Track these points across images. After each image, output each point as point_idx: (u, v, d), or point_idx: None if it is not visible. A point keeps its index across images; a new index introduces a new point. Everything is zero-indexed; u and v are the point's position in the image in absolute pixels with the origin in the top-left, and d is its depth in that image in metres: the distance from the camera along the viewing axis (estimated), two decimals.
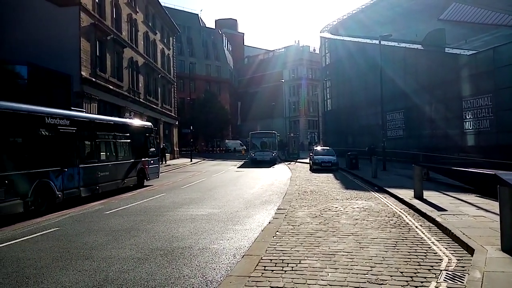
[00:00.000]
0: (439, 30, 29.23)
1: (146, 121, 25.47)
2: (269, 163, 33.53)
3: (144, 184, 18.89)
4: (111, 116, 20.53)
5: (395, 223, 8.66)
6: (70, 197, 12.92)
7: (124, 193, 16.16)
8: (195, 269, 5.92)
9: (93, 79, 24.24)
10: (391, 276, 5.28)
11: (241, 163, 36.20)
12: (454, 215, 8.96)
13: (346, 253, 6.32)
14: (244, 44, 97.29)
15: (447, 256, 6.19)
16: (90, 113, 21.57)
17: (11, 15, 22.49)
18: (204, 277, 5.54)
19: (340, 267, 5.67)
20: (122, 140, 17.08)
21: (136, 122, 20.59)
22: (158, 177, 20.87)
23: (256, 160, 34.31)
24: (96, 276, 5.70)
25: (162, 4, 41.07)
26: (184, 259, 6.43)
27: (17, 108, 11.19)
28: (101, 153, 15.51)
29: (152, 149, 20.20)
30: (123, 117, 22.23)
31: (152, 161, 19.96)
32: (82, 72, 22.90)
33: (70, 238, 8.25)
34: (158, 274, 5.73)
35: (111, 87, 26.87)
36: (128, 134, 17.68)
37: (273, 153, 35.54)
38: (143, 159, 18.75)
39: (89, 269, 6.01)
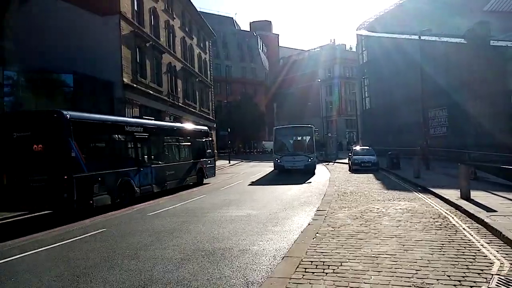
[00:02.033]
0: (483, 23, 27.88)
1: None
2: (303, 175, 22.11)
3: (203, 182, 20.91)
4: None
5: (440, 225, 8.34)
6: (145, 193, 14.96)
7: (180, 191, 17.55)
8: (236, 270, 5.98)
9: (134, 85, 25.07)
10: (437, 279, 5.09)
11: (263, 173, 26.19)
12: (504, 216, 8.50)
13: (389, 256, 6.15)
14: (279, 45, 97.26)
15: (498, 260, 5.88)
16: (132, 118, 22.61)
17: (56, 25, 23.63)
18: (245, 278, 5.58)
19: (383, 270, 5.53)
20: (184, 143, 19.21)
21: (195, 126, 23.08)
22: (214, 176, 22.72)
23: (284, 169, 23.93)
24: (142, 275, 5.89)
25: (198, 9, 41.87)
26: (225, 260, 6.51)
27: (105, 119, 14.14)
28: (168, 155, 17.75)
29: (208, 151, 21.99)
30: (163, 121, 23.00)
31: (209, 161, 21.95)
32: (123, 79, 23.75)
33: (116, 239, 8.58)
34: (200, 274, 5.84)
35: (151, 92, 27.68)
36: (189, 138, 19.85)
37: (310, 157, 23.77)
38: (201, 160, 20.75)
39: (135, 269, 6.22)
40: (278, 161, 24.22)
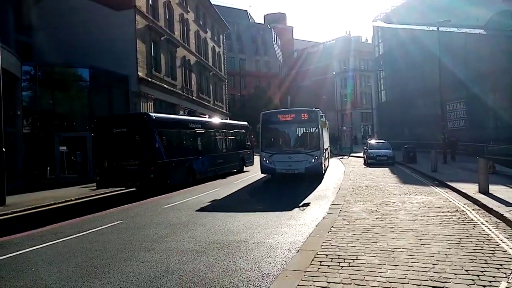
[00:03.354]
0: (503, 13, 27.07)
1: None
2: (305, 184, 15.57)
3: (243, 170, 24.14)
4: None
5: (458, 219, 8.21)
6: (202, 177, 18.37)
7: (213, 180, 19.21)
8: (251, 262, 6.00)
9: (149, 79, 25.24)
10: (455, 274, 5.01)
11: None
12: None
13: (406, 250, 6.08)
14: (293, 37, 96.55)
15: None
16: (147, 111, 23.55)
17: (72, 20, 23.89)
18: (260, 271, 5.59)
19: (399, 264, 5.47)
20: (230, 137, 22.53)
21: (237, 122, 26.45)
22: (252, 164, 25.43)
23: (275, 173, 17.34)
24: (158, 267, 5.95)
25: (212, 2, 41.79)
26: (240, 253, 6.53)
27: (177, 118, 18.84)
28: (218, 146, 21.20)
29: (248, 143, 25.55)
30: (177, 114, 23.75)
31: (248, 152, 25.42)
32: (138, 73, 23.93)
33: (132, 231, 8.69)
34: (215, 266, 5.88)
35: (165, 86, 27.84)
36: (233, 132, 23.24)
37: (313, 156, 16.49)
38: (242, 151, 24.36)
39: (151, 260, 6.30)
40: (267, 161, 16.99)
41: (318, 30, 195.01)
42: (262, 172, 17.77)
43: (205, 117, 22.36)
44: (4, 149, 13.30)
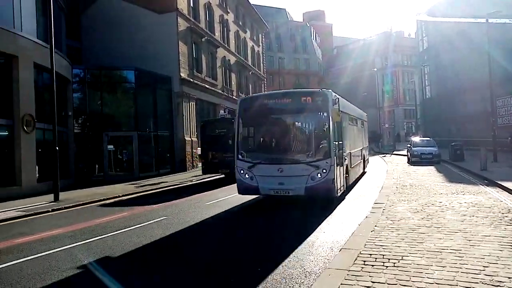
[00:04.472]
0: None
1: None
2: (305, 220, 9.16)
3: None
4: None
5: (510, 220, 7.80)
6: None
7: None
8: (293, 260, 6.02)
9: (191, 80, 25.82)
10: (509, 278, 4.77)
11: None
12: None
13: (454, 251, 5.86)
14: (333, 34, 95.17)
15: None
16: (189, 111, 24.75)
17: (117, 24, 24.95)
18: (303, 268, 5.61)
19: (447, 265, 5.28)
20: None
21: None
22: None
23: (258, 194, 11.28)
24: (202, 261, 6.14)
25: (251, 2, 41.97)
26: (282, 250, 6.56)
27: None
28: None
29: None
30: (218, 114, 24.55)
31: None
32: (181, 74, 24.55)
33: (176, 226, 8.97)
34: (260, 262, 5.96)
35: (207, 86, 28.36)
36: None
37: (321, 169, 9.97)
38: None
39: (194, 254, 6.49)
40: (246, 175, 10.73)
41: (358, 27, 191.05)
42: (238, 192, 11.18)
43: None
44: (57, 148, 14.13)
